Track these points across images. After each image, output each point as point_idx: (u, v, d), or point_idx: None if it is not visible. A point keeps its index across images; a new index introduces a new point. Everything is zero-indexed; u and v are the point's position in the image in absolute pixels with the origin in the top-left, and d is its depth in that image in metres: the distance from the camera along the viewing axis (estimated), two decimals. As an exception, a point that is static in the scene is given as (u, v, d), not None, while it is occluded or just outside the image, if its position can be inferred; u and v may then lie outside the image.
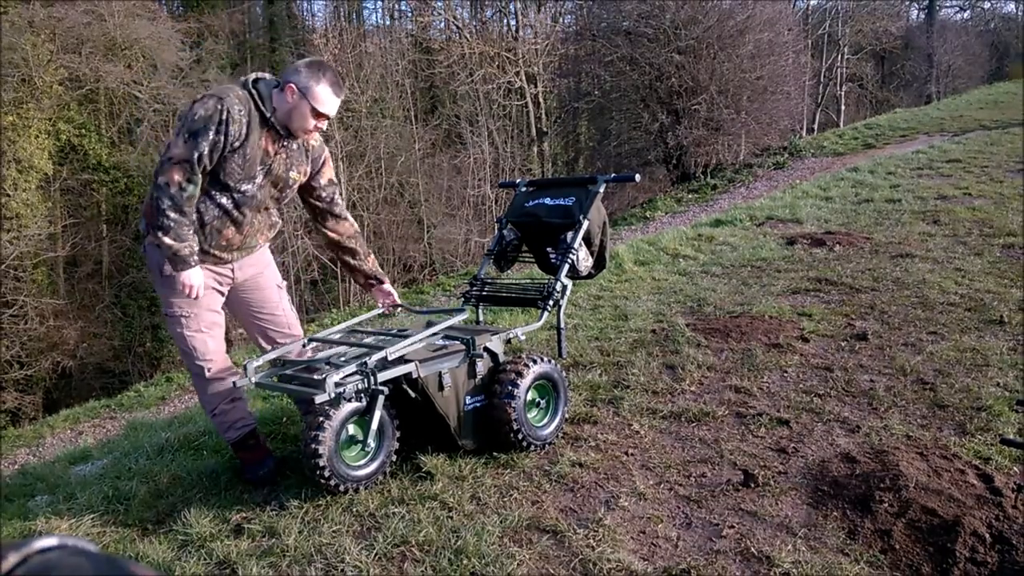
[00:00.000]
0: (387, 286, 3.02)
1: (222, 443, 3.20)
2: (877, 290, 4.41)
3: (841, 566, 2.05)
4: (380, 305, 3.06)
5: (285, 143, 2.58)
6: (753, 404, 3.06)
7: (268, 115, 2.51)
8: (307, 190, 2.79)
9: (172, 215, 2.40)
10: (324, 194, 2.80)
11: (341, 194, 2.90)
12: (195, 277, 2.48)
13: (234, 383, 2.52)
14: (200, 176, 2.44)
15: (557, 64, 18.35)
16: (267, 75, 2.63)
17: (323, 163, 2.77)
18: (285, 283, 2.98)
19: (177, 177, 2.39)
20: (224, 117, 2.40)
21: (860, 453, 2.59)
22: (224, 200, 2.54)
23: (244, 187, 2.54)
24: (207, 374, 2.66)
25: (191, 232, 2.45)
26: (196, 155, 2.39)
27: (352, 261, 2.95)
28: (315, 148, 2.73)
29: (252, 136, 2.48)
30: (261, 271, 2.79)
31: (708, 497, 2.42)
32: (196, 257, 2.47)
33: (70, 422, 8.32)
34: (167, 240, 2.40)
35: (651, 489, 2.48)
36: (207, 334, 2.64)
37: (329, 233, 2.88)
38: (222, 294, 2.72)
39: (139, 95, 14.55)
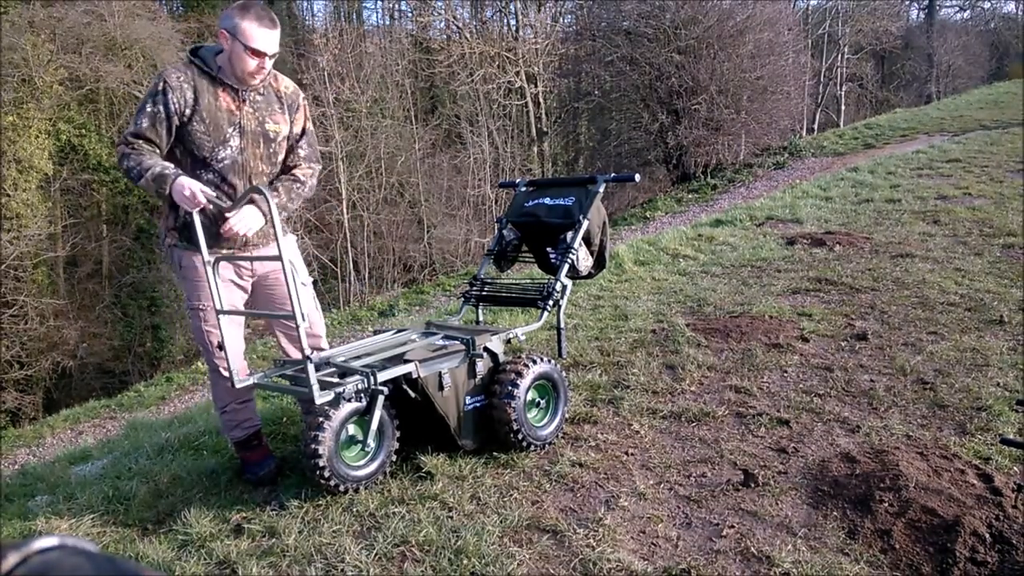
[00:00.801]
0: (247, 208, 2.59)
1: (222, 443, 3.20)
2: (877, 290, 4.41)
3: (841, 566, 2.05)
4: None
5: (246, 96, 2.55)
6: (753, 404, 3.06)
7: (215, 73, 2.50)
8: None
9: (129, 163, 2.42)
10: (292, 143, 2.71)
11: (309, 144, 2.76)
12: (185, 184, 2.37)
13: (232, 384, 2.49)
14: (147, 143, 2.45)
15: (557, 64, 18.35)
16: (209, 43, 2.63)
17: (297, 110, 2.70)
18: (311, 279, 2.92)
19: (121, 147, 2.47)
20: (161, 87, 2.44)
21: (860, 453, 2.59)
22: (209, 176, 2.51)
23: (221, 154, 2.51)
24: (223, 371, 2.63)
25: (149, 156, 2.43)
26: (133, 129, 2.45)
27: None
28: (288, 95, 2.67)
29: (203, 99, 2.48)
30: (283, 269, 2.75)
31: (708, 497, 2.42)
32: (174, 170, 2.41)
33: (70, 422, 8.32)
34: (141, 183, 2.41)
35: (651, 489, 2.48)
36: (225, 329, 2.60)
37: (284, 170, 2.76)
38: (243, 289, 2.69)
39: (139, 95, 14.55)
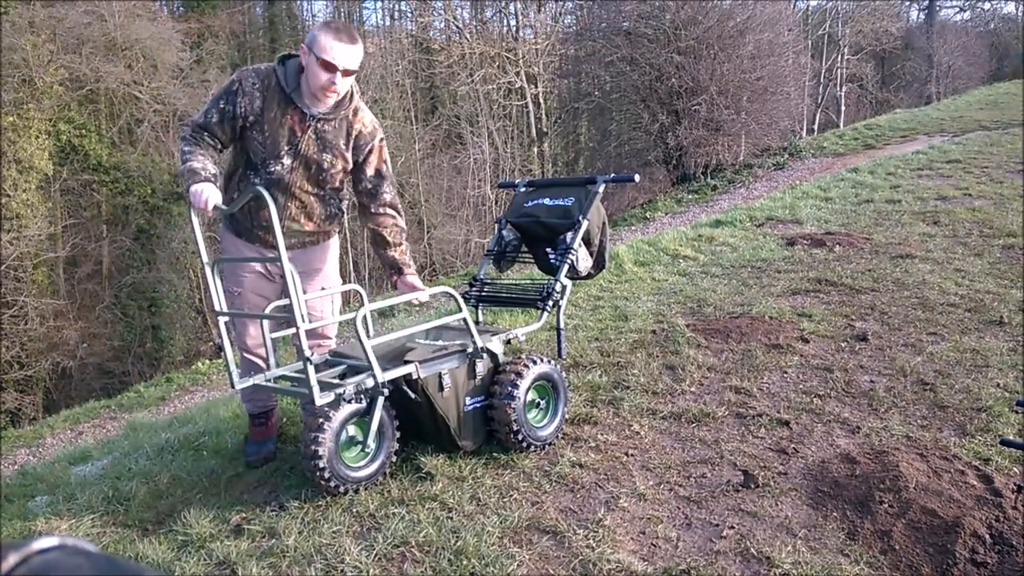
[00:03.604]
0: (409, 277, 2.77)
1: (222, 443, 3.20)
2: (877, 291, 4.41)
3: (841, 567, 2.05)
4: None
5: (317, 124, 2.54)
6: (753, 405, 3.06)
7: (288, 90, 2.49)
8: (352, 179, 2.74)
9: (185, 148, 2.48)
10: (367, 186, 2.70)
11: (390, 190, 2.74)
12: (204, 188, 2.37)
13: (232, 384, 2.51)
14: (210, 137, 2.52)
15: (557, 64, 18.35)
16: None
17: (369, 151, 2.67)
18: (337, 283, 2.95)
19: (186, 131, 2.54)
20: (235, 88, 2.49)
21: (860, 454, 2.58)
22: (256, 180, 2.58)
23: (271, 167, 2.55)
24: (245, 354, 2.74)
25: (201, 153, 2.47)
26: (202, 120, 2.51)
27: (379, 249, 2.81)
28: (364, 135, 2.65)
29: (270, 111, 2.49)
30: (310, 273, 2.76)
31: (708, 498, 2.42)
32: (207, 174, 2.41)
33: (70, 422, 8.31)
34: (181, 168, 2.46)
35: (651, 490, 2.48)
36: (249, 323, 2.71)
37: (369, 226, 2.76)
38: (271, 281, 2.76)
39: (139, 95, 14.57)
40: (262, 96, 2.49)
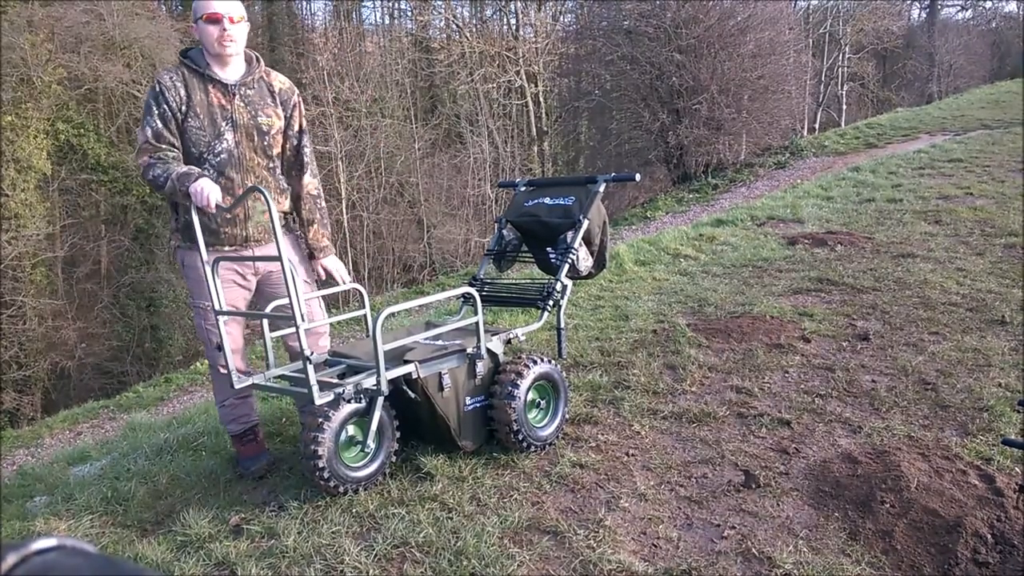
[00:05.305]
0: (325, 261, 2.89)
1: (221, 444, 3.20)
2: (879, 290, 4.40)
3: (843, 567, 2.04)
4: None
5: (240, 91, 2.62)
6: (754, 404, 3.05)
7: (203, 70, 2.58)
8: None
9: (157, 171, 2.49)
10: (293, 142, 2.79)
11: (309, 144, 2.85)
12: (205, 184, 2.41)
13: (231, 384, 2.50)
14: (168, 146, 2.54)
15: (557, 63, 18.34)
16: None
17: (294, 107, 2.77)
18: (316, 280, 2.95)
19: (144, 158, 2.54)
20: (159, 90, 2.55)
21: (862, 454, 2.58)
22: (206, 171, 2.58)
23: (218, 148, 2.59)
24: (221, 369, 2.68)
25: (175, 163, 2.52)
26: (150, 132, 2.53)
27: (301, 227, 2.88)
28: (283, 91, 2.74)
29: (195, 95, 2.57)
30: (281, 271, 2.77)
31: (709, 498, 2.41)
32: (195, 170, 2.47)
33: (69, 423, 8.30)
34: (167, 187, 2.47)
35: (652, 490, 2.47)
36: (224, 328, 2.63)
37: (294, 185, 2.83)
38: (246, 289, 2.74)
39: (138, 95, 14.54)
40: (184, 84, 2.57)
